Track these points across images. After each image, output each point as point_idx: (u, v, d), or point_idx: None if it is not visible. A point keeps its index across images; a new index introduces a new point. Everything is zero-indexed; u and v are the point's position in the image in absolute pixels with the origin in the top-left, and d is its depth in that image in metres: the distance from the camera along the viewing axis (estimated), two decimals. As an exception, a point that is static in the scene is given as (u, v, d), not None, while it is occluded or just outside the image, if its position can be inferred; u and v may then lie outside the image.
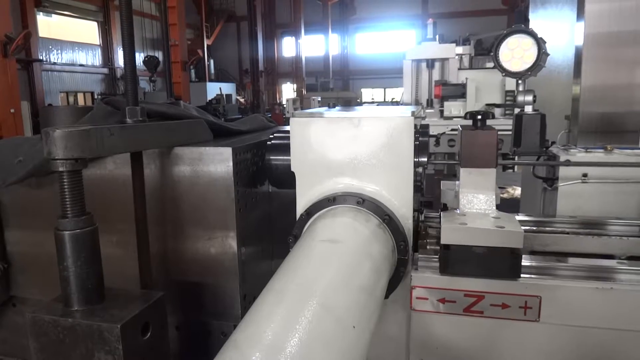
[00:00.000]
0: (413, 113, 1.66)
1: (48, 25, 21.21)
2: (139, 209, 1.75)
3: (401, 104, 9.72)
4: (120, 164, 1.89)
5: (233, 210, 1.82)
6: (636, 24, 2.78)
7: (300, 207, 1.74)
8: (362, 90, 31.99)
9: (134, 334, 1.44)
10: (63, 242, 1.43)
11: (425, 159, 1.77)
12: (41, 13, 20.64)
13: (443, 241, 1.64)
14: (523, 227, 1.64)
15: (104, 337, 1.38)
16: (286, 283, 1.21)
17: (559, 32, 3.58)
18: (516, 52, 2.28)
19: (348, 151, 1.69)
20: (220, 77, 30.67)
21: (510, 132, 2.49)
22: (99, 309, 1.47)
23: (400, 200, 1.68)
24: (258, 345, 0.97)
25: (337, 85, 29.10)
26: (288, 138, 1.78)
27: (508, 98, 7.40)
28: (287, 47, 32.94)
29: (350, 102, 20.78)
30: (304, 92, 25.90)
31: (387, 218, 1.61)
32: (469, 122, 1.99)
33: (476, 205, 1.83)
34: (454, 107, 7.65)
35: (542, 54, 2.23)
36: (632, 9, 2.77)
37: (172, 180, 1.87)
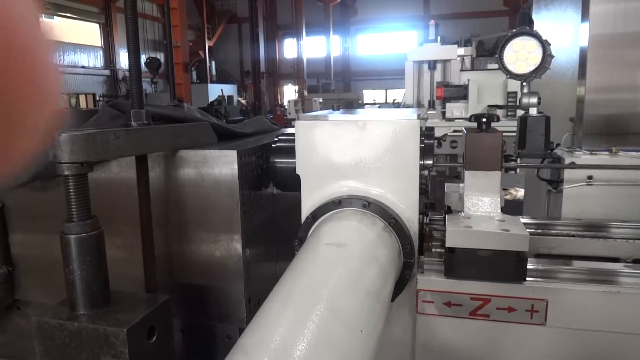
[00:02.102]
0: (419, 115, 1.65)
1: (49, 27, 21.24)
2: (144, 212, 1.75)
3: (403, 106, 9.72)
4: (126, 167, 1.88)
5: (238, 212, 1.82)
6: (642, 25, 2.77)
7: (306, 210, 1.74)
8: (364, 91, 32.00)
9: (139, 338, 1.44)
10: (69, 245, 1.43)
11: (431, 162, 1.77)
12: (42, 15, 20.69)
13: (448, 244, 1.64)
14: (528, 230, 1.63)
15: (110, 342, 1.38)
16: (293, 287, 1.21)
17: (563, 33, 3.56)
18: (521, 55, 2.27)
19: (353, 154, 1.69)
20: (221, 79, 30.71)
21: (512, 134, 2.49)
22: (105, 312, 1.47)
23: (406, 203, 1.67)
24: (266, 350, 0.96)
25: (338, 87, 29.11)
26: (292, 141, 1.77)
27: (510, 99, 7.39)
28: (289, 48, 32.99)
29: (351, 103, 20.78)
30: (306, 93, 25.91)
31: (392, 221, 1.60)
32: (472, 124, 1.98)
33: (481, 208, 1.82)
34: (456, 109, 7.66)
35: (546, 56, 2.23)
36: (638, 10, 2.76)
37: (177, 183, 1.87)
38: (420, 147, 1.67)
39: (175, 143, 1.83)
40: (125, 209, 1.87)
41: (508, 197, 6.94)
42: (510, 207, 1.99)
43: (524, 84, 2.38)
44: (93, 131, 1.45)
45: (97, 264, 1.47)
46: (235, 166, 1.80)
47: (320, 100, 19.33)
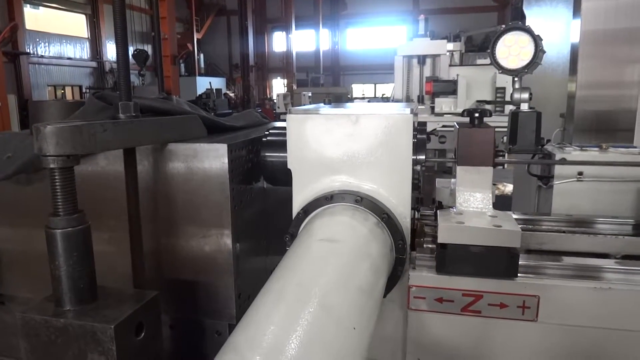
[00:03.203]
0: (412, 110, 1.64)
1: (35, 17, 20.91)
2: (132, 206, 1.72)
3: (392, 100, 9.72)
4: (113, 160, 1.85)
5: (228, 207, 1.79)
6: (633, 21, 2.78)
7: (297, 205, 1.72)
8: (353, 86, 31.96)
9: (127, 335, 1.41)
10: (54, 240, 1.40)
11: (423, 157, 1.76)
12: (28, 5, 20.34)
13: (440, 240, 1.63)
14: (519, 226, 1.63)
15: (97, 338, 1.35)
16: (285, 283, 1.19)
17: (554, 29, 3.57)
18: (513, 50, 2.26)
19: (345, 148, 1.67)
20: (210, 72, 30.49)
21: (501, 129, 2.48)
22: (92, 308, 1.44)
23: (398, 199, 1.66)
24: (258, 348, 0.95)
25: (327, 81, 29.06)
26: (283, 135, 1.75)
27: (499, 95, 7.42)
28: (278, 42, 32.82)
29: (341, 97, 20.73)
30: (295, 87, 25.81)
31: (385, 217, 1.59)
32: (462, 119, 1.97)
33: (473, 203, 1.82)
34: (445, 104, 7.67)
35: (539, 51, 2.22)
36: (629, 6, 2.77)
37: (166, 177, 1.83)
38: (413, 142, 1.66)
39: (164, 136, 1.80)
40: (113, 203, 1.84)
41: (496, 192, 6.98)
42: (499, 203, 1.98)
43: (516, 79, 2.37)
44: (80, 123, 1.41)
45: (84, 259, 1.44)
46: (226, 160, 1.77)
47: (310, 94, 19.26)
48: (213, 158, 1.78)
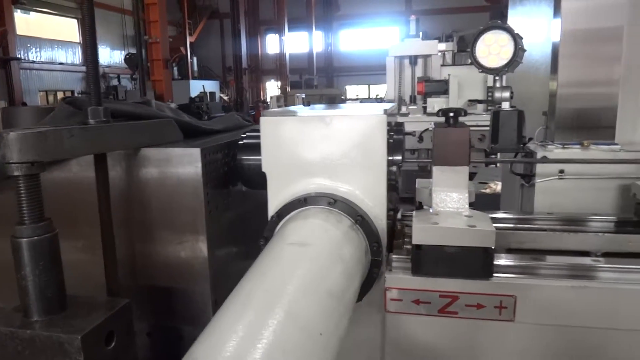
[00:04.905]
0: (385, 111, 1.62)
1: (26, 22, 20.86)
2: (104, 213, 1.69)
3: (385, 101, 9.72)
4: (85, 166, 1.82)
5: (203, 212, 1.77)
6: (613, 20, 2.78)
7: (272, 209, 1.69)
8: (347, 87, 32.01)
9: (96, 345, 1.38)
10: (20, 249, 1.37)
11: (400, 158, 1.74)
12: (19, 10, 20.29)
13: (414, 241, 1.61)
14: (500, 225, 1.62)
15: (64, 349, 1.32)
16: (252, 290, 1.17)
17: (537, 28, 3.57)
18: (493, 49, 2.26)
19: (320, 151, 1.65)
20: (203, 75, 30.47)
21: (482, 128, 2.48)
22: (60, 318, 1.40)
23: (374, 200, 1.64)
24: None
25: (321, 82, 29.08)
26: (259, 137, 1.73)
27: (490, 94, 7.42)
28: (271, 44, 32.83)
29: (334, 99, 20.74)
30: (288, 89, 25.82)
31: (359, 219, 1.57)
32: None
33: (449, 203, 1.80)
34: (437, 103, 7.64)
35: (518, 50, 2.21)
36: (609, 6, 2.77)
37: (139, 183, 1.81)
38: (389, 142, 1.64)
39: (136, 141, 1.77)
40: (86, 210, 1.80)
41: (487, 190, 6.96)
42: (490, 201, 1.97)
43: (497, 78, 2.36)
44: (44, 129, 1.39)
45: (51, 268, 1.41)
46: (199, 164, 1.74)
47: (303, 96, 19.25)
48: (187, 163, 1.76)
